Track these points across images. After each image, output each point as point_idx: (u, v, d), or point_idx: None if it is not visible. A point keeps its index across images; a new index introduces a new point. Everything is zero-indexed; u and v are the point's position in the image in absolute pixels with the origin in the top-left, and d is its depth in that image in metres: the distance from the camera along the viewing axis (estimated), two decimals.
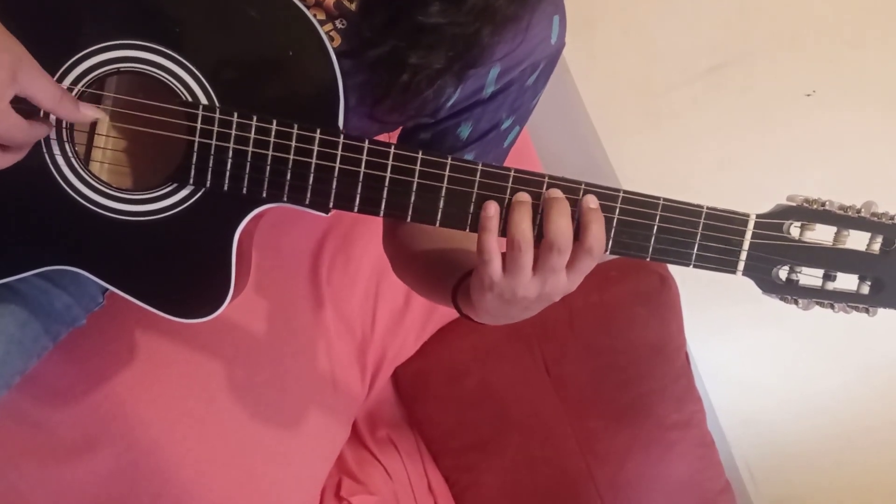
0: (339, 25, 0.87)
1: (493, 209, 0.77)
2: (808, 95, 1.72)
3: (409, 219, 0.81)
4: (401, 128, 1.03)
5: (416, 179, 0.79)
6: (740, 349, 1.96)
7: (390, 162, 0.79)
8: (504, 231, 0.78)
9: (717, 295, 1.70)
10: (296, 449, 1.41)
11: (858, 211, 0.77)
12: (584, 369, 1.67)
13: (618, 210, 0.78)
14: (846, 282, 0.79)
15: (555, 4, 0.95)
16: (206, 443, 1.29)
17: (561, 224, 0.75)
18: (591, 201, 0.77)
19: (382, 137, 0.97)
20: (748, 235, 0.78)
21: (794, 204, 0.78)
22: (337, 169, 0.80)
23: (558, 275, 0.77)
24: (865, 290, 0.79)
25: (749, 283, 0.80)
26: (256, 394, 1.37)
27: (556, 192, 0.77)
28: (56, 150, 0.84)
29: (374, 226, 1.57)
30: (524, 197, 0.77)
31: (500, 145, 1.01)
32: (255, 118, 0.80)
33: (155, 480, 1.23)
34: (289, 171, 0.80)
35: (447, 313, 1.73)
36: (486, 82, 0.94)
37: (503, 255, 0.77)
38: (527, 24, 0.91)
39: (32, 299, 1.01)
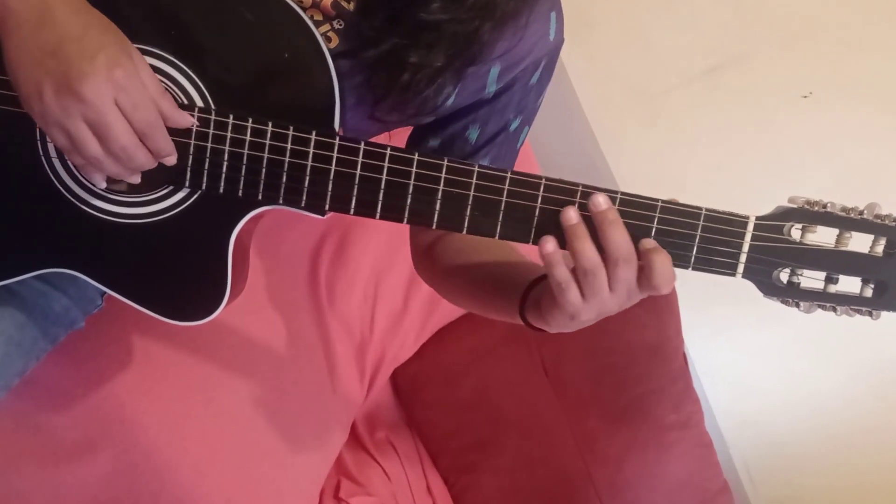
0: (336, 26, 0.87)
1: (551, 246, 0.75)
2: (805, 97, 1.72)
3: (405, 221, 0.80)
4: (404, 131, 1.02)
5: (412, 181, 0.79)
6: (739, 350, 1.96)
7: (386, 164, 0.79)
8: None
9: (716, 295, 1.69)
10: (295, 450, 1.40)
11: (861, 213, 0.76)
12: (582, 370, 1.67)
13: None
14: (849, 284, 0.78)
15: (551, 1, 0.95)
16: (205, 444, 1.29)
17: (617, 237, 0.74)
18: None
19: (383, 138, 0.97)
20: (748, 237, 0.77)
21: (794, 206, 0.77)
22: (333, 171, 0.80)
23: (632, 282, 0.76)
24: (868, 292, 0.78)
25: (748, 284, 0.80)
26: (255, 395, 1.37)
27: (602, 203, 0.76)
28: (53, 153, 0.84)
29: (373, 227, 1.57)
30: (575, 218, 0.75)
31: (513, 147, 1.01)
32: (250, 120, 0.80)
33: (154, 482, 1.23)
34: (284, 173, 0.80)
35: (446, 314, 1.73)
36: (488, 81, 0.94)
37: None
38: (525, 20, 0.91)
39: (31, 302, 1.01)
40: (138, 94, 0.73)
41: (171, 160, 0.79)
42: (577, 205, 0.77)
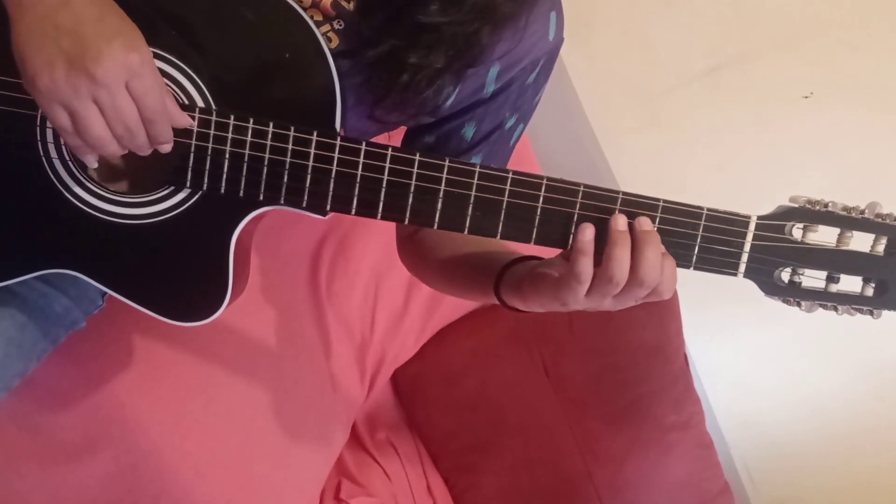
0: (336, 26, 0.87)
1: (590, 233, 0.75)
2: (806, 97, 1.72)
3: (406, 221, 0.80)
4: (403, 130, 1.02)
5: (413, 182, 0.79)
6: (739, 350, 1.96)
7: (387, 164, 0.79)
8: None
9: (717, 295, 1.70)
10: (295, 451, 1.40)
11: (862, 212, 0.76)
12: (582, 371, 1.67)
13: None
14: (850, 284, 0.79)
15: (551, 1, 0.95)
16: (205, 445, 1.29)
17: (654, 258, 0.74)
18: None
19: (382, 138, 0.97)
20: (749, 237, 0.77)
21: (796, 205, 0.77)
22: (334, 171, 0.80)
23: (634, 301, 0.77)
24: (870, 292, 0.78)
25: (749, 284, 0.80)
26: (256, 396, 1.37)
27: (647, 224, 0.76)
28: (53, 154, 0.84)
29: (373, 228, 1.57)
30: (623, 225, 0.75)
31: (507, 145, 1.01)
32: (251, 120, 0.80)
33: (154, 482, 1.23)
34: (286, 173, 0.80)
35: (447, 315, 1.73)
36: (487, 81, 0.94)
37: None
38: (525, 22, 0.91)
39: (32, 302, 1.01)
40: (150, 81, 0.73)
41: (167, 148, 0.79)
42: (578, 205, 0.77)
